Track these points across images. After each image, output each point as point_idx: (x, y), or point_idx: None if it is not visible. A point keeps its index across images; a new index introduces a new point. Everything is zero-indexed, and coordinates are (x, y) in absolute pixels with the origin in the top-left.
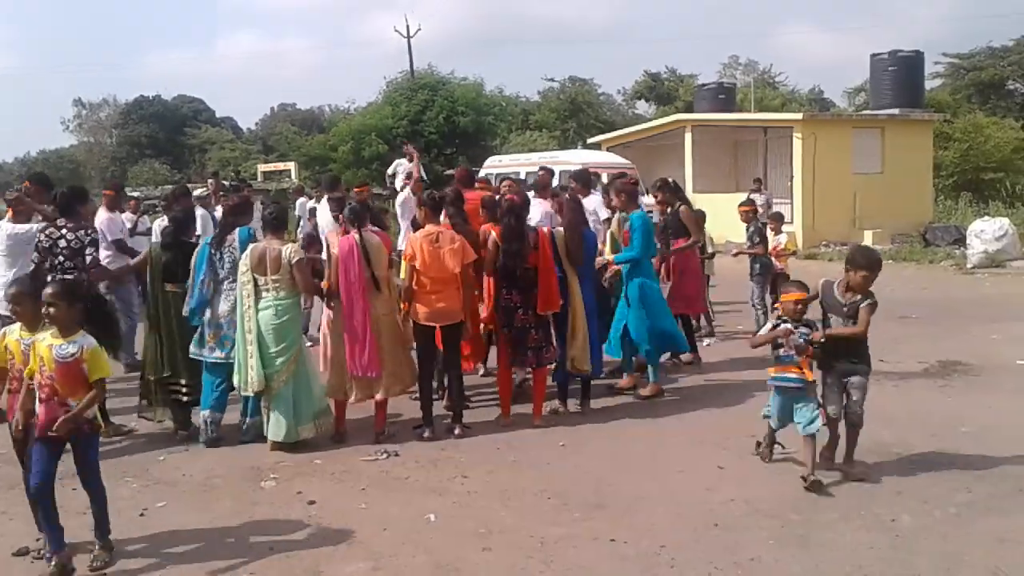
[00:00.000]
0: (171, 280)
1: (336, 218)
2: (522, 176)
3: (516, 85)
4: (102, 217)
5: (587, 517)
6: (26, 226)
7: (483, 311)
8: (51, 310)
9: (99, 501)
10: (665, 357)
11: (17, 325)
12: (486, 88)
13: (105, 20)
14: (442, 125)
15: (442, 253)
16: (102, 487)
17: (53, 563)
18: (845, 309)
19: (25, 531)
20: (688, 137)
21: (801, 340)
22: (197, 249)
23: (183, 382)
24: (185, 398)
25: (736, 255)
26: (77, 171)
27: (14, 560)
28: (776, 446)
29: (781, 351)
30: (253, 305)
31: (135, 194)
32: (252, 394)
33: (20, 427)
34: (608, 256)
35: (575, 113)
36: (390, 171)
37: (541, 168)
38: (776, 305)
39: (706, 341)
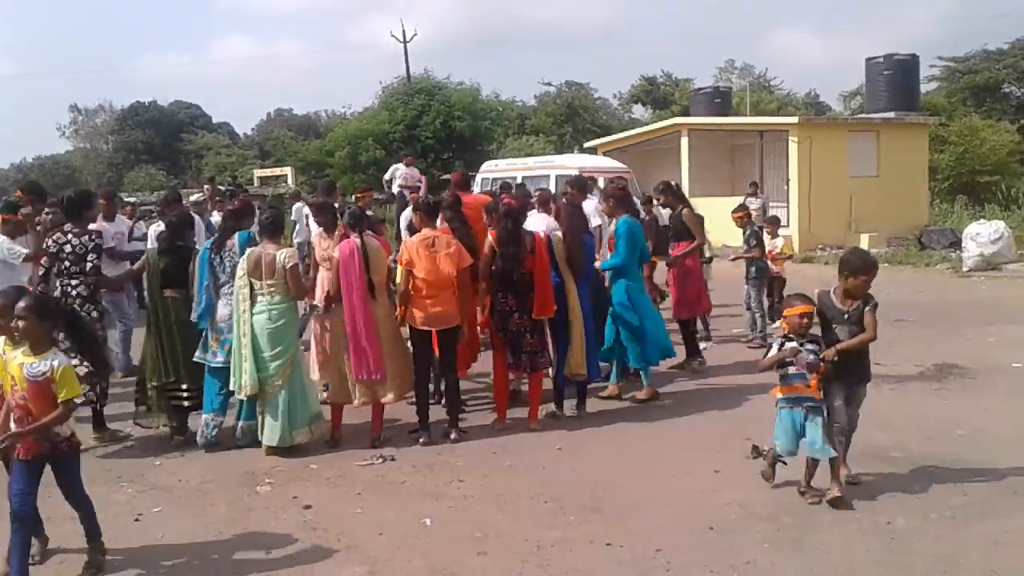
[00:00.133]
0: (169, 285)
1: (319, 223)
2: (519, 180)
3: (512, 89)
4: (101, 226)
5: (583, 521)
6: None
7: (482, 316)
8: (21, 323)
9: (87, 514)
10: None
11: (1, 339)
12: (482, 93)
13: (98, 25)
14: (439, 130)
15: (438, 257)
16: (87, 500)
17: None
18: (847, 316)
19: None
20: (684, 141)
21: (812, 357)
22: (197, 254)
23: (185, 387)
24: (186, 403)
25: (734, 260)
26: (73, 177)
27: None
28: (764, 447)
29: (790, 369)
30: (248, 309)
31: (131, 200)
32: (246, 398)
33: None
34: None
35: (571, 117)
36: (387, 176)
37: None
38: (780, 322)
39: (703, 345)
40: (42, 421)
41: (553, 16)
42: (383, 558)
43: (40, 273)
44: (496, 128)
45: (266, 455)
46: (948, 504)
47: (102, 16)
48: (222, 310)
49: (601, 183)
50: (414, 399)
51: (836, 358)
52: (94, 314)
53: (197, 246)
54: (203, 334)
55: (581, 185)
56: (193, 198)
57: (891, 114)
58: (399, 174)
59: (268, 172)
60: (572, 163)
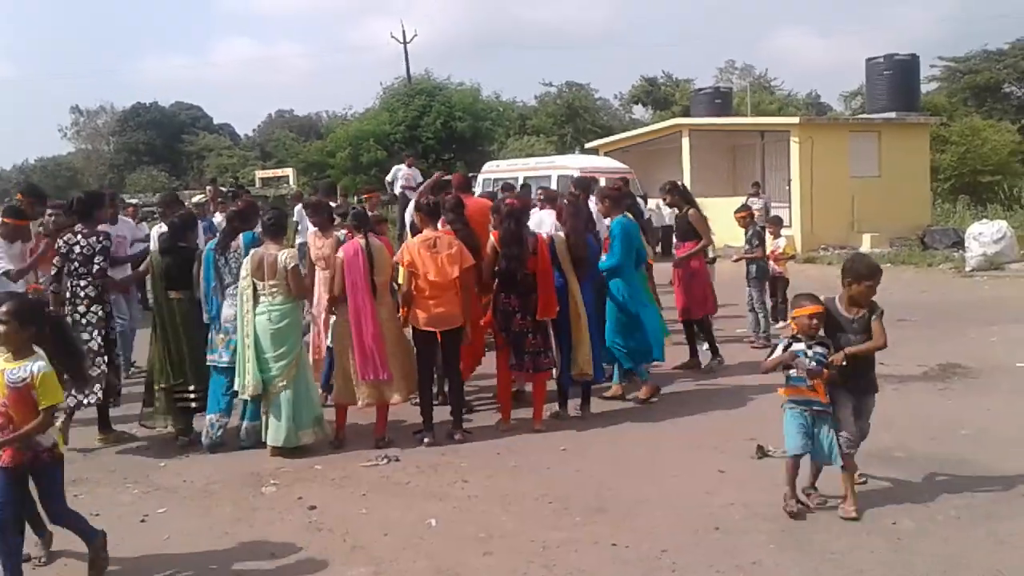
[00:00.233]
0: (172, 286)
1: (314, 223)
2: (520, 181)
3: (513, 90)
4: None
5: (588, 521)
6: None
7: (485, 317)
8: (1, 328)
9: (72, 525)
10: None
11: None
12: (483, 93)
13: (99, 27)
14: (439, 131)
15: (440, 258)
16: (70, 513)
17: None
18: (855, 325)
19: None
20: (685, 142)
21: (813, 363)
22: (201, 256)
23: (191, 389)
24: (193, 404)
25: (737, 260)
26: (75, 178)
27: None
28: (768, 447)
29: (793, 372)
30: (252, 310)
31: (133, 201)
32: (249, 398)
33: None
34: None
35: (572, 118)
36: (389, 178)
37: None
38: (788, 322)
39: (704, 345)
40: (23, 430)
41: (553, 17)
42: (388, 559)
43: (52, 273)
44: (497, 129)
45: (271, 456)
46: (952, 505)
47: (103, 18)
48: (227, 311)
49: (603, 183)
50: (418, 400)
51: (845, 362)
52: (100, 314)
53: (208, 244)
54: (209, 335)
55: (585, 186)
56: (195, 199)
57: (892, 114)
58: (401, 175)
59: (270, 173)
60: (573, 163)
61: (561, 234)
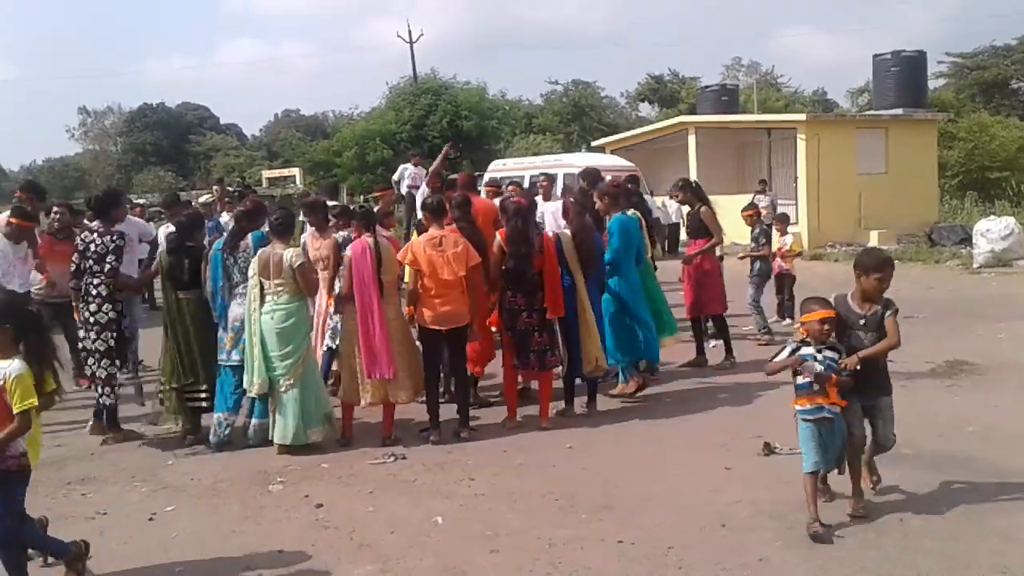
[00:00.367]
0: (180, 286)
1: (311, 222)
2: (525, 181)
3: (519, 89)
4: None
5: (594, 519)
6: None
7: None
8: None
9: (30, 541)
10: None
11: None
12: (489, 92)
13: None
14: (446, 129)
15: (446, 257)
16: (32, 532)
17: None
18: (863, 322)
19: None
20: (692, 139)
21: (821, 368)
22: (208, 255)
23: (202, 388)
24: (203, 403)
25: (743, 258)
26: (82, 179)
27: None
28: (775, 444)
29: (800, 379)
30: (259, 309)
31: (140, 201)
32: (256, 396)
33: None
34: None
35: (578, 116)
36: (395, 176)
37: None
38: (796, 327)
39: (711, 343)
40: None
41: (559, 16)
42: (395, 556)
43: (72, 270)
44: (503, 127)
45: (278, 454)
46: (960, 502)
47: (109, 19)
48: (236, 310)
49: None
50: (424, 398)
51: (859, 367)
52: (111, 315)
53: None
54: (219, 334)
55: (593, 178)
56: (202, 199)
57: (899, 111)
58: (407, 174)
59: (276, 173)
60: (580, 162)
61: (568, 232)
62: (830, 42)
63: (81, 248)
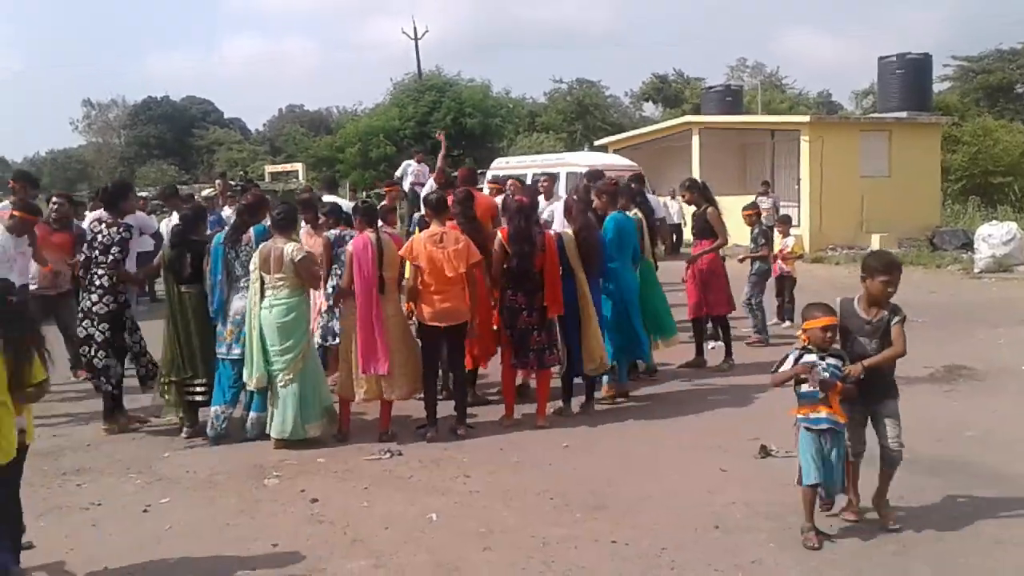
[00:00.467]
0: (181, 279)
1: (305, 219)
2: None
3: (523, 87)
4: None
5: (589, 518)
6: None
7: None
8: None
9: (12, 528)
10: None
11: None
12: (493, 90)
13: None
14: (449, 127)
15: (447, 253)
16: (17, 511)
17: None
18: (868, 327)
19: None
20: (695, 139)
21: (827, 375)
22: (210, 248)
23: (200, 382)
24: (200, 398)
25: (742, 260)
26: (85, 171)
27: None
28: (771, 447)
29: (804, 387)
30: (259, 303)
31: (143, 194)
32: (255, 389)
33: None
34: None
35: (582, 115)
36: (398, 173)
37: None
38: (799, 334)
39: (710, 344)
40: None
41: (563, 15)
42: (389, 552)
43: (81, 260)
44: (507, 125)
45: (274, 448)
46: (956, 506)
47: (115, 12)
48: (238, 303)
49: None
50: (422, 395)
51: (863, 375)
52: (112, 307)
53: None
54: (217, 327)
55: (597, 177)
56: (205, 193)
57: (903, 114)
58: (411, 171)
59: (279, 168)
60: (583, 161)
61: (570, 232)
62: (835, 44)
63: (89, 238)
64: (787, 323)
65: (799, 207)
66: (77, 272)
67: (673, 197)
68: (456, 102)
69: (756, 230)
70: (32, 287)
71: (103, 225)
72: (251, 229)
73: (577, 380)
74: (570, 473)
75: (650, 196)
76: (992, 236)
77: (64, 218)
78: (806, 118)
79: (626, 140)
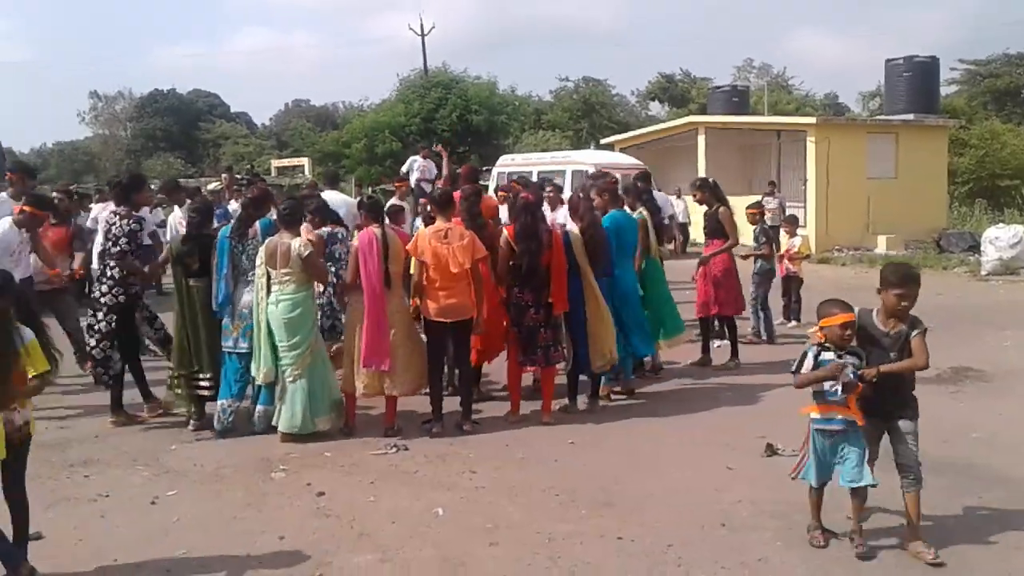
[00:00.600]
0: (187, 271)
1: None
2: (534, 175)
3: (529, 85)
4: (104, 214)
5: (595, 514)
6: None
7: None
8: None
9: (21, 517)
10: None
11: None
12: (499, 87)
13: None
14: (455, 123)
15: (451, 249)
16: (25, 501)
17: None
18: (887, 340)
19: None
20: (701, 139)
21: (851, 376)
22: (215, 243)
23: (205, 377)
24: (206, 392)
25: (745, 258)
26: (92, 163)
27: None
28: (777, 445)
29: (826, 386)
30: (265, 298)
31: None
32: (262, 383)
33: None
34: None
35: (588, 113)
36: (404, 168)
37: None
38: (814, 331)
39: (716, 343)
40: (24, 390)
41: (570, 13)
42: (395, 546)
43: (98, 251)
44: (512, 123)
45: (281, 441)
46: (961, 508)
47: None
48: (246, 296)
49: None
50: (428, 390)
51: (876, 379)
52: (121, 299)
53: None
54: (224, 321)
55: (599, 177)
56: (211, 187)
57: (910, 116)
58: (416, 166)
59: (285, 162)
60: (588, 159)
61: (576, 230)
62: (842, 46)
63: (106, 230)
64: (793, 323)
65: (805, 208)
66: (79, 273)
67: (679, 196)
68: (462, 99)
69: (757, 228)
70: (51, 280)
71: (116, 217)
72: (257, 223)
73: (582, 377)
74: (576, 470)
75: (657, 194)
76: (999, 239)
77: (63, 212)
78: (813, 119)
79: (632, 139)
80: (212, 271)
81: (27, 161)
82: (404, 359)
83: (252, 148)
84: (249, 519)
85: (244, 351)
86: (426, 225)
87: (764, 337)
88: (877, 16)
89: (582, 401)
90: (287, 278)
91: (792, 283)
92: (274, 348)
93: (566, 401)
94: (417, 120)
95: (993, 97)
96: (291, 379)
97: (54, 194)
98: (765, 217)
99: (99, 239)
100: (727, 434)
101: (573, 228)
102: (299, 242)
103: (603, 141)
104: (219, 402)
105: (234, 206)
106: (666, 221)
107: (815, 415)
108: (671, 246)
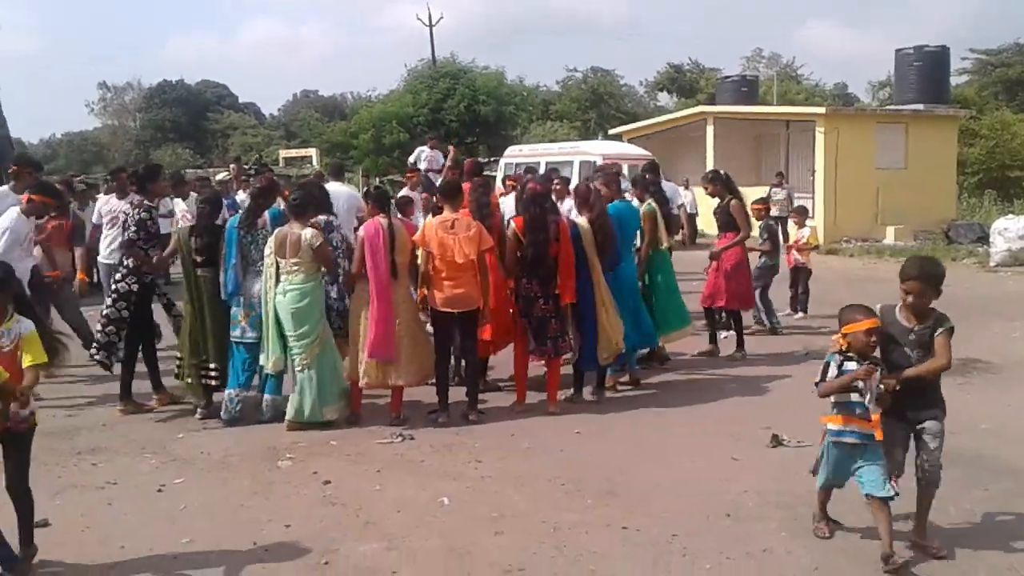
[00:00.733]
0: (195, 261)
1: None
2: (541, 167)
3: (537, 75)
4: (111, 204)
5: (600, 504)
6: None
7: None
8: None
9: (26, 512)
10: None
11: None
12: (507, 77)
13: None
14: (463, 114)
15: (458, 240)
16: (29, 493)
17: None
18: (912, 337)
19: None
20: (710, 130)
21: (881, 387)
22: (224, 233)
23: (212, 367)
24: (213, 382)
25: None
26: (100, 154)
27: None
28: (783, 436)
29: (853, 397)
30: (274, 288)
31: None
32: (271, 372)
33: None
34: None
35: (596, 104)
36: (412, 159)
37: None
38: (837, 338)
39: (723, 334)
40: (23, 386)
41: (578, 3)
42: (400, 535)
43: (108, 242)
44: (520, 113)
45: (288, 430)
46: (969, 499)
47: None
48: (255, 286)
49: (626, 170)
50: (433, 380)
51: (898, 387)
52: (133, 287)
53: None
54: (232, 311)
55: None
56: (219, 177)
57: (920, 106)
58: (424, 157)
59: (293, 153)
60: (596, 149)
61: (584, 221)
62: (852, 35)
63: (123, 219)
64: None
65: (813, 199)
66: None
67: (687, 187)
68: (470, 89)
69: (763, 224)
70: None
71: (130, 207)
72: (266, 213)
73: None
74: (581, 460)
75: (666, 184)
76: (1008, 230)
77: (62, 206)
78: (822, 109)
79: (640, 129)
80: (220, 261)
81: (36, 152)
82: (409, 349)
83: (260, 139)
84: (256, 507)
85: (252, 341)
86: (434, 216)
87: (767, 325)
88: (887, 6)
89: (588, 392)
90: (296, 268)
91: (801, 274)
92: (282, 337)
93: (572, 391)
94: (425, 111)
95: (1004, 87)
96: (300, 369)
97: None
98: (772, 210)
99: (105, 231)
100: (733, 425)
101: (581, 219)
102: (311, 232)
103: (611, 132)
104: (226, 392)
105: (242, 196)
106: (675, 211)
107: (832, 426)
108: (678, 236)
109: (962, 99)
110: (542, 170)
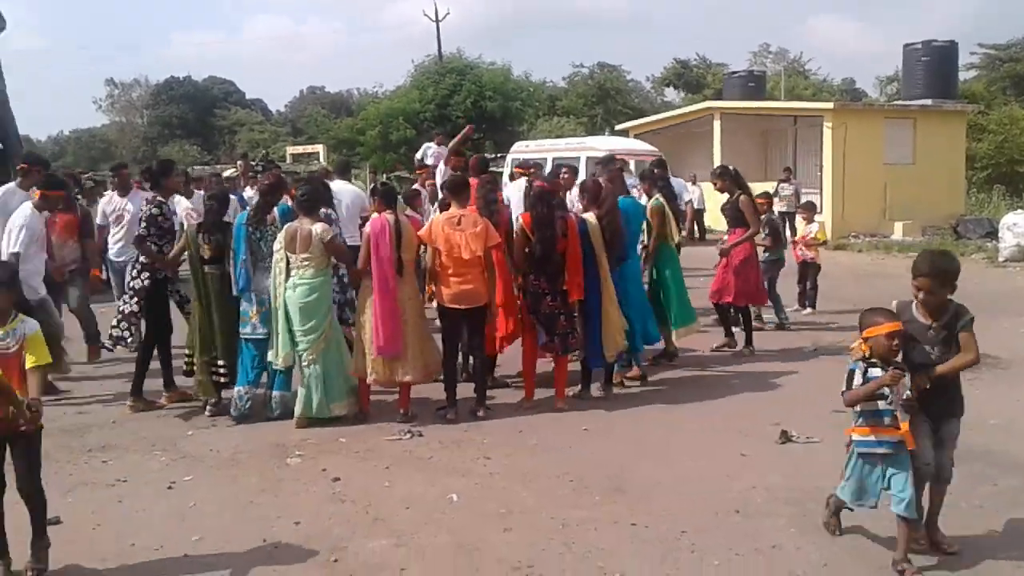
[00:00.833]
0: (203, 258)
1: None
2: (548, 163)
3: (543, 71)
4: (114, 203)
5: (608, 501)
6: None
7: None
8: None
9: (38, 508)
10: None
11: None
12: (514, 73)
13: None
14: (469, 110)
15: (464, 236)
16: (43, 493)
17: None
18: (931, 334)
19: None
20: (717, 125)
21: (909, 393)
22: (231, 230)
23: (221, 364)
24: (223, 379)
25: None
26: (108, 150)
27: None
28: (792, 432)
29: (881, 404)
30: (284, 283)
31: None
32: (280, 368)
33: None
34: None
35: (603, 99)
36: (419, 155)
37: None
38: (858, 344)
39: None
40: (31, 396)
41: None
42: (409, 532)
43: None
44: (527, 109)
45: (296, 427)
46: (978, 494)
47: None
48: (265, 282)
49: (633, 166)
50: (441, 377)
51: (928, 386)
52: (146, 283)
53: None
54: (241, 307)
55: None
56: (226, 174)
57: (928, 101)
58: (431, 152)
59: (300, 149)
60: (603, 145)
61: (593, 218)
62: (860, 30)
63: (139, 215)
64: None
65: (821, 194)
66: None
67: (694, 182)
68: (476, 85)
69: (765, 219)
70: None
71: (145, 202)
72: (275, 209)
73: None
74: (589, 456)
75: (673, 180)
76: (1017, 225)
77: (68, 200)
78: (829, 104)
79: (647, 125)
80: (227, 258)
81: (45, 149)
82: (416, 345)
83: (267, 135)
84: (265, 504)
85: (261, 337)
86: (442, 212)
87: (768, 324)
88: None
89: (596, 388)
90: (306, 263)
91: (809, 269)
92: (292, 333)
93: (580, 388)
94: (431, 107)
95: (1012, 82)
96: (306, 364)
97: None
98: (779, 205)
99: (113, 230)
100: (741, 421)
101: (590, 216)
102: (321, 227)
103: (618, 127)
104: (236, 389)
105: (249, 193)
106: (682, 207)
107: (858, 436)
108: (684, 233)
109: (970, 94)
110: (548, 166)
